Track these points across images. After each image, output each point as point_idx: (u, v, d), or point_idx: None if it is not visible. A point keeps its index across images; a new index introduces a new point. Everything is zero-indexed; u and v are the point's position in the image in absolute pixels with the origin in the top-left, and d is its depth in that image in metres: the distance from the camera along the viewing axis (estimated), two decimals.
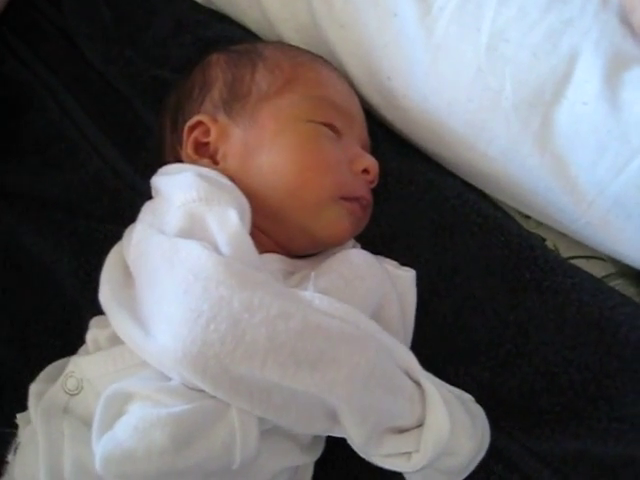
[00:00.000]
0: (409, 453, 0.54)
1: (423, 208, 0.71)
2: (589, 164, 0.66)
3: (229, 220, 0.55)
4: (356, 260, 0.61)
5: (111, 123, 0.80)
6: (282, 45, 0.75)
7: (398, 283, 0.64)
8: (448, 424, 0.53)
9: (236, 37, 0.80)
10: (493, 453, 0.64)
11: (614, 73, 0.66)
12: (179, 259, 0.52)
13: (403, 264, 0.67)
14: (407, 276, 0.65)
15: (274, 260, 0.64)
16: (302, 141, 0.64)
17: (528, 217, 0.77)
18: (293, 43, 0.78)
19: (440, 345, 0.61)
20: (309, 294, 0.54)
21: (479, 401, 0.61)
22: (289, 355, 0.50)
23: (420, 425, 0.54)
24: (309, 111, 0.65)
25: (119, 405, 0.53)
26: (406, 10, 0.71)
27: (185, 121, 0.67)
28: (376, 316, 0.59)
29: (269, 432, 0.54)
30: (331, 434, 0.56)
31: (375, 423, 0.53)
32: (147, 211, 0.62)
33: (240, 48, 0.71)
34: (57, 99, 0.81)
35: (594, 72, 0.66)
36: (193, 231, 0.55)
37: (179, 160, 0.67)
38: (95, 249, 0.71)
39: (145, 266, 0.56)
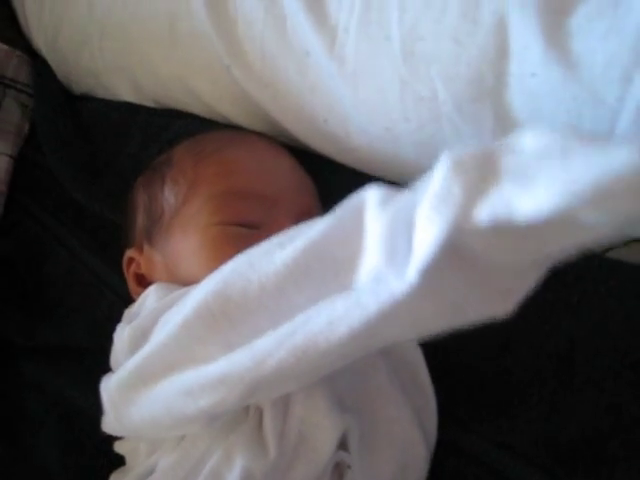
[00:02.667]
0: None
1: None
2: None
3: None
4: None
5: (113, 254, 0.80)
6: (195, 140, 0.68)
7: None
8: None
9: (195, 130, 0.76)
10: None
11: (554, 25, 0.51)
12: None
13: None
14: None
15: None
16: (209, 250, 0.57)
17: None
18: (234, 118, 0.73)
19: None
20: None
21: (535, 457, 0.52)
22: None
23: None
24: (213, 213, 0.58)
25: None
26: (314, 44, 0.63)
27: None
28: None
29: None
30: None
31: None
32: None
33: (157, 161, 0.68)
34: (65, 245, 0.83)
35: (530, 33, 0.52)
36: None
37: None
38: None
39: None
